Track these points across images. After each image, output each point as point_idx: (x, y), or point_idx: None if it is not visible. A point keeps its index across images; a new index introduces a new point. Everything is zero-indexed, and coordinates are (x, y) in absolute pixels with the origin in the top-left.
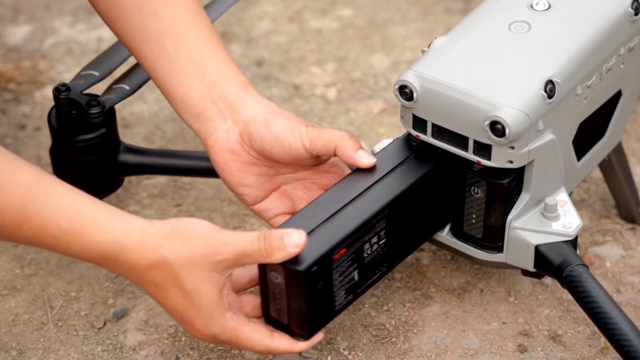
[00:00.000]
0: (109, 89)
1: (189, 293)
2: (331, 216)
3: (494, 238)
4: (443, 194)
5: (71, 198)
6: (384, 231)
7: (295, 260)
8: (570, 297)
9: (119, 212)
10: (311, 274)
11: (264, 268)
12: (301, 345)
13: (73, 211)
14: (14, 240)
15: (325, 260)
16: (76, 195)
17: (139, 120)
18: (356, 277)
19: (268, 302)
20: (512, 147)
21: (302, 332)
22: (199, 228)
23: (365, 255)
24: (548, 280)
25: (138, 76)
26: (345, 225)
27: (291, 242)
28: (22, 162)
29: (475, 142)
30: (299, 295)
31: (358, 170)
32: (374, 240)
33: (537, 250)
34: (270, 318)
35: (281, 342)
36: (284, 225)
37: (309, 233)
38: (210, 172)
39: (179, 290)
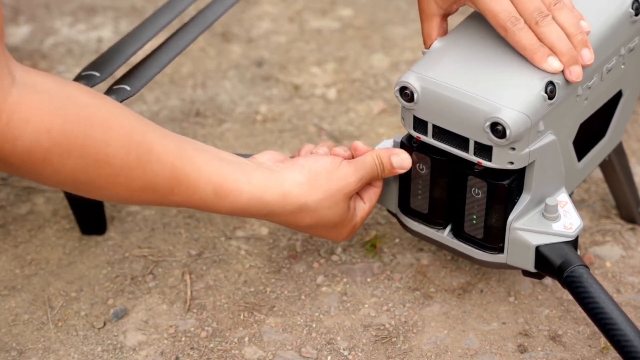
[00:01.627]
0: (110, 89)
1: (333, 222)
2: None
3: (494, 239)
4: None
5: (213, 164)
6: None
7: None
8: (570, 297)
9: (258, 169)
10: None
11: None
12: None
13: (215, 178)
14: (162, 204)
15: None
16: (217, 161)
17: None
18: None
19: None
20: (513, 148)
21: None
22: (323, 168)
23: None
24: (548, 280)
25: (139, 77)
26: None
27: (399, 164)
28: (162, 129)
29: (476, 143)
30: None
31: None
32: None
33: (538, 250)
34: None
35: None
36: None
37: None
38: None
39: (325, 225)
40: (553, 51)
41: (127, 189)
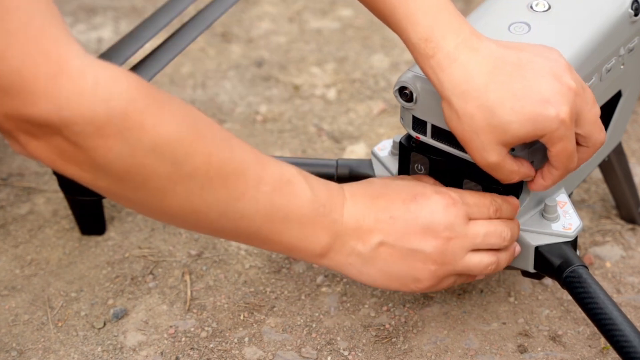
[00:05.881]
0: None
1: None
2: None
3: None
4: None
5: (299, 201)
6: None
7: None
8: (570, 297)
9: (333, 205)
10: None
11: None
12: None
13: (295, 212)
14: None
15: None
16: (296, 199)
17: None
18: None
19: None
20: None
21: None
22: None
23: None
24: (548, 280)
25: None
26: None
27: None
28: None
29: None
30: None
31: None
32: None
33: (537, 251)
34: None
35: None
36: None
37: None
38: None
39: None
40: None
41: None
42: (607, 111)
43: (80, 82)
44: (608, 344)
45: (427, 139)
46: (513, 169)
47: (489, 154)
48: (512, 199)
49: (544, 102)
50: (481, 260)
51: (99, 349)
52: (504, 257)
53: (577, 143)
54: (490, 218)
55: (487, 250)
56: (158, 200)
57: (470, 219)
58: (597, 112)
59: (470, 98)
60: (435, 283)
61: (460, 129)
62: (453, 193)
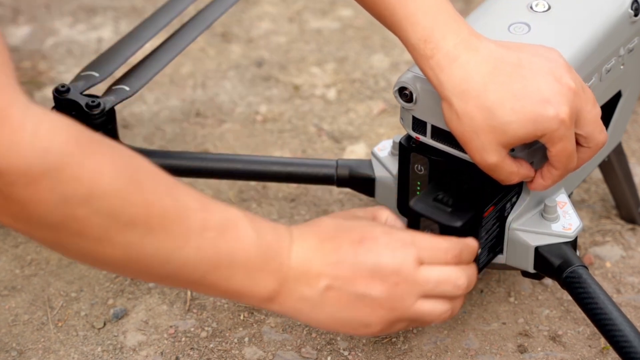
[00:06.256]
0: (109, 89)
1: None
2: None
3: None
4: None
5: (244, 245)
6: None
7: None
8: (570, 297)
9: (278, 256)
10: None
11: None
12: None
13: (240, 257)
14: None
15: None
16: (250, 267)
17: (139, 121)
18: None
19: None
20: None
21: None
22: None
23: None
24: (548, 280)
25: (138, 77)
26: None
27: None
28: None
29: None
30: None
31: None
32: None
33: (537, 251)
34: None
35: None
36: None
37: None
38: (210, 172)
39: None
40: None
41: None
42: (607, 111)
43: (19, 132)
44: (608, 344)
45: (427, 140)
46: (512, 170)
47: (488, 154)
48: (471, 242)
49: (544, 102)
50: (433, 309)
51: (99, 349)
52: (459, 304)
53: (578, 143)
54: (446, 263)
55: (441, 297)
56: (97, 250)
57: (422, 263)
58: (598, 112)
59: (470, 98)
60: (385, 328)
61: (460, 130)
62: (405, 235)
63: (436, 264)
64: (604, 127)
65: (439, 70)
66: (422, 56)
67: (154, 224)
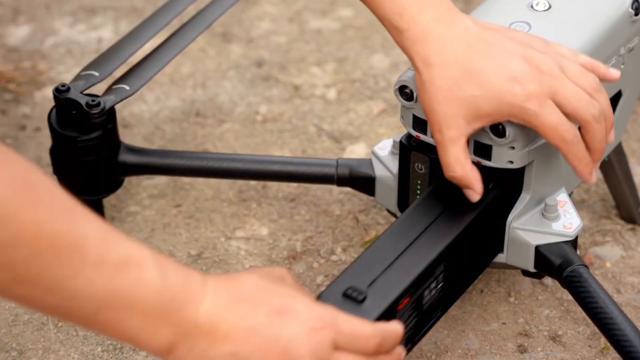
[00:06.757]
0: (109, 89)
1: None
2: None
3: None
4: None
5: (144, 289)
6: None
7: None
8: (570, 297)
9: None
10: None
11: None
12: None
13: (138, 301)
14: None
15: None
16: (163, 289)
17: (139, 121)
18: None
19: None
20: (513, 148)
21: None
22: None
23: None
24: (548, 280)
25: (138, 76)
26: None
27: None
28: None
29: (476, 142)
30: None
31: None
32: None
33: (537, 250)
34: None
35: None
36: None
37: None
38: (210, 172)
39: None
40: (591, 152)
41: None
42: None
43: None
44: (608, 344)
45: (428, 138)
46: (461, 159)
47: (449, 127)
48: (397, 328)
49: (511, 80)
50: None
51: (99, 349)
52: None
53: (580, 132)
54: (365, 353)
55: None
56: None
57: (338, 348)
58: (578, 89)
59: (439, 69)
60: None
61: (427, 99)
62: (327, 314)
63: (354, 352)
64: (594, 101)
65: (413, 43)
66: (397, 29)
67: (41, 246)
